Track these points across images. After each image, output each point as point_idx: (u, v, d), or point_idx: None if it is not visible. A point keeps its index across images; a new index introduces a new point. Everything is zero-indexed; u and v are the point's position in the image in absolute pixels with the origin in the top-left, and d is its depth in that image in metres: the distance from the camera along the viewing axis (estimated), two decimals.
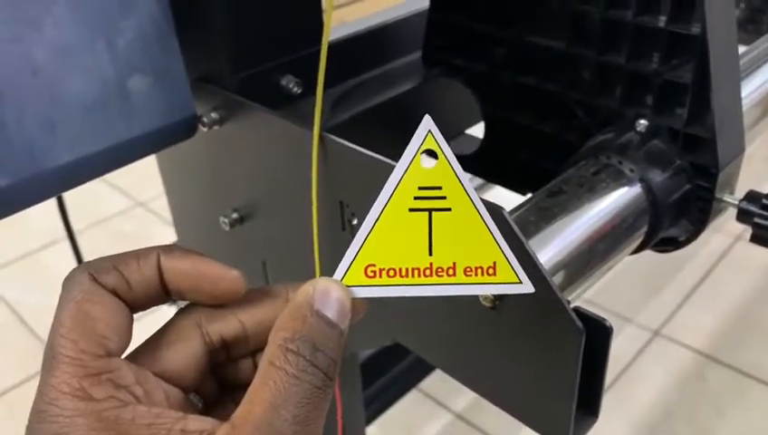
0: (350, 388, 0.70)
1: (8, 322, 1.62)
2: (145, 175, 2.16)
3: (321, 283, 0.25)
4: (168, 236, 1.99)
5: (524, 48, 0.52)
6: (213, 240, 0.63)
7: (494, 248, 0.27)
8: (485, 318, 0.38)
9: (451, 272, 0.28)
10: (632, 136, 0.45)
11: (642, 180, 0.43)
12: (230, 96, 0.49)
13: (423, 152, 0.27)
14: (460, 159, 0.28)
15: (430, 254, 0.27)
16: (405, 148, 0.27)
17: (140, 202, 2.05)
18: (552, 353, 0.36)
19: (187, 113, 0.50)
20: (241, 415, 0.22)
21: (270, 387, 0.22)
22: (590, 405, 0.40)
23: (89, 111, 0.45)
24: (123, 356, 0.23)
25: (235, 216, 0.57)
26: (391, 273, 0.27)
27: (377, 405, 1.09)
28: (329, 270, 0.50)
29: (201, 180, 0.59)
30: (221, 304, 0.27)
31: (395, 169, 0.27)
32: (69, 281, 0.25)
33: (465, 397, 1.38)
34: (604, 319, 0.36)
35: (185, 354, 0.25)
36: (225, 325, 0.26)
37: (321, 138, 0.44)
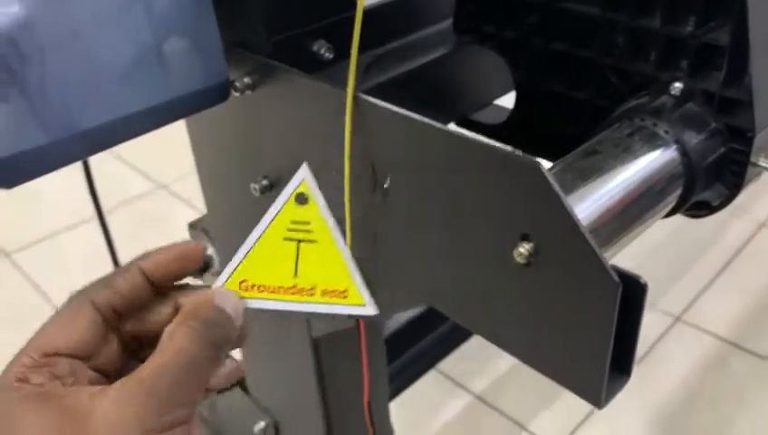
0: (375, 363, 0.70)
1: (34, 302, 1.64)
2: (167, 158, 2.19)
3: (221, 290, 0.32)
4: (190, 216, 2.01)
5: (557, 14, 0.51)
6: (243, 207, 0.63)
7: (347, 276, 0.34)
8: (519, 276, 0.38)
9: (312, 292, 0.34)
10: (666, 99, 0.45)
11: (677, 142, 0.43)
12: (263, 60, 0.50)
13: (296, 195, 0.34)
14: (490, 128, 0.28)
15: (295, 275, 0.33)
16: (434, 116, 0.30)
17: (163, 184, 2.07)
18: (587, 309, 0.36)
19: (220, 78, 0.50)
20: (132, 375, 0.27)
21: (165, 349, 0.28)
22: (622, 364, 0.40)
23: (125, 73, 0.46)
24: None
25: (265, 182, 0.58)
26: (261, 288, 0.33)
27: (395, 384, 1.09)
28: (359, 234, 0.50)
29: (232, 147, 0.60)
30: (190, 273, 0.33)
31: (273, 204, 0.33)
32: (67, 300, 0.32)
33: (483, 378, 1.39)
34: (639, 275, 0.36)
35: (82, 327, 0.30)
36: (114, 296, 0.32)
37: (356, 98, 0.44)
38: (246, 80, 0.52)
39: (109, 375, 0.31)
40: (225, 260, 0.76)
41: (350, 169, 0.46)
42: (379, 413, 0.74)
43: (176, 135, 2.10)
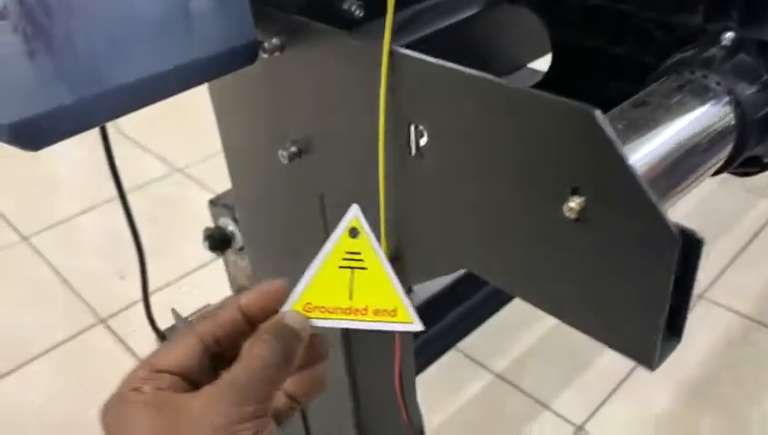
0: (405, 339, 0.69)
1: (53, 282, 1.65)
2: (182, 143, 2.18)
3: (289, 312, 0.38)
4: (205, 198, 1.98)
5: None
6: (269, 176, 0.62)
7: (396, 298, 0.39)
8: (569, 232, 0.37)
9: (365, 312, 0.39)
10: (716, 51, 0.43)
11: (729, 94, 0.41)
12: (294, 19, 0.48)
13: (350, 229, 0.40)
14: None
15: (350, 298, 0.39)
16: None
17: (178, 168, 2.06)
18: (642, 266, 0.35)
19: (248, 38, 0.49)
20: (219, 379, 0.35)
21: (240, 363, 0.35)
22: (674, 326, 0.38)
23: (153, 31, 0.44)
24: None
25: (293, 149, 0.56)
26: (322, 310, 0.39)
27: (417, 362, 1.08)
28: (392, 200, 0.49)
29: (259, 113, 0.58)
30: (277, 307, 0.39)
31: (329, 239, 0.40)
32: (178, 331, 0.39)
33: (505, 358, 1.38)
34: (695, 231, 0.35)
35: (184, 353, 0.36)
36: (215, 328, 0.37)
37: (392, 53, 0.42)
38: (275, 40, 0.50)
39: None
40: (250, 233, 0.75)
41: (385, 130, 0.45)
42: (408, 390, 0.72)
43: (190, 120, 2.09)
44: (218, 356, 0.37)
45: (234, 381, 0.34)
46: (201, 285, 1.62)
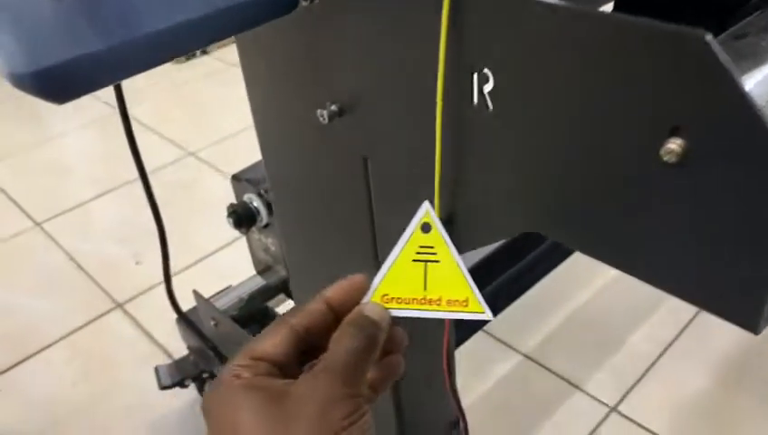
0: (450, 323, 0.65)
1: (67, 268, 1.62)
2: (194, 127, 2.15)
3: (369, 304, 0.41)
4: (219, 182, 1.96)
5: None
6: (305, 139, 0.58)
7: (468, 289, 0.41)
8: (666, 179, 0.33)
9: (438, 302, 0.41)
10: None
11: None
12: None
13: (421, 225, 0.42)
14: None
15: (425, 289, 0.41)
16: None
17: (191, 152, 2.02)
18: (752, 216, 0.31)
19: None
20: (315, 367, 0.37)
21: (330, 352, 0.37)
22: None
23: None
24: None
25: (334, 108, 0.52)
26: (398, 300, 0.41)
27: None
28: (448, 158, 0.45)
29: (295, 69, 0.54)
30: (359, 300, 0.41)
31: (403, 235, 0.42)
32: (273, 322, 0.40)
33: (532, 339, 1.34)
34: None
35: (279, 341, 0.38)
36: (306, 319, 0.39)
37: None
38: None
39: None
40: (282, 203, 0.71)
41: (444, 77, 0.41)
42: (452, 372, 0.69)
43: (198, 109, 2.06)
44: (306, 347, 0.39)
45: (327, 367, 0.36)
46: (218, 268, 1.58)
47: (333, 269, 0.68)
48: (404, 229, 0.55)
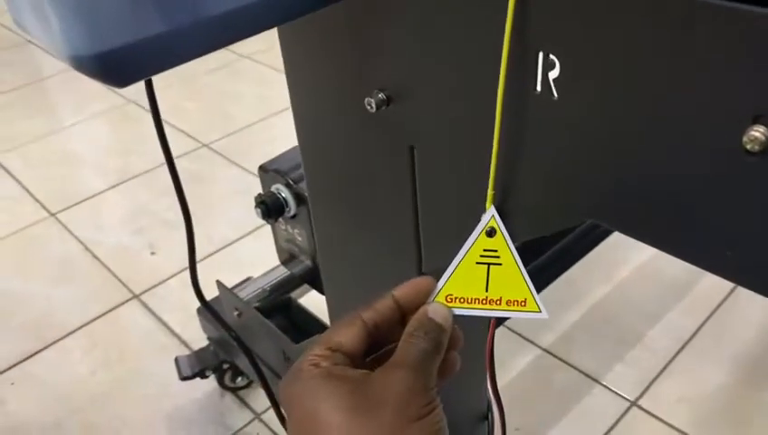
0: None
1: (83, 258, 1.61)
2: (207, 119, 2.14)
3: (433, 304, 0.43)
4: (233, 173, 1.95)
5: None
6: (349, 128, 0.58)
7: (527, 290, 0.43)
8: (750, 169, 0.32)
9: (499, 302, 0.44)
10: None
11: None
12: None
13: (486, 229, 0.44)
14: None
15: (486, 290, 0.44)
16: None
17: (204, 143, 2.02)
18: None
19: None
20: (390, 362, 0.39)
21: (403, 350, 0.39)
22: None
23: None
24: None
25: (381, 96, 0.52)
26: (461, 300, 0.43)
27: None
28: (506, 147, 0.44)
29: (341, 56, 0.54)
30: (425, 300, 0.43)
31: (468, 239, 0.44)
32: (346, 316, 0.42)
33: (552, 333, 1.33)
34: None
35: (353, 333, 0.40)
36: (376, 315, 0.41)
37: None
38: None
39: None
40: (320, 193, 0.70)
41: (508, 59, 0.40)
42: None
43: (214, 96, 2.05)
44: (374, 340, 0.41)
45: (402, 363, 0.38)
46: (234, 259, 1.58)
47: (371, 267, 0.68)
48: (449, 224, 0.54)
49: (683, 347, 1.29)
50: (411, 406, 0.36)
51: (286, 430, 0.39)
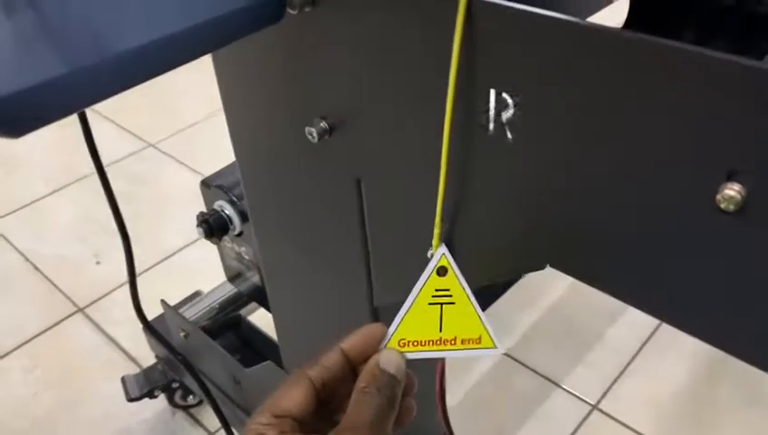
0: None
1: (23, 271, 1.53)
2: (154, 117, 2.06)
3: (384, 352, 0.40)
4: (181, 175, 1.87)
5: None
6: (291, 158, 0.53)
7: (481, 326, 0.42)
8: (721, 228, 0.29)
9: (453, 342, 0.42)
10: None
11: None
12: None
13: (437, 269, 0.41)
14: None
15: (440, 331, 0.42)
16: None
17: (151, 143, 1.94)
18: None
19: None
20: (342, 425, 0.36)
21: (356, 410, 0.37)
22: None
23: None
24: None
25: (323, 125, 0.48)
26: (415, 343, 0.42)
27: None
28: (454, 188, 0.41)
29: (279, 83, 0.49)
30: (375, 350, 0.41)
31: (419, 280, 0.41)
32: (291, 375, 0.39)
33: (511, 336, 1.32)
34: None
35: (301, 395, 0.37)
36: (324, 372, 0.39)
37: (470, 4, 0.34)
38: None
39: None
40: (263, 224, 0.65)
41: (453, 99, 0.36)
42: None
43: (161, 91, 1.95)
44: (322, 397, 0.39)
45: (353, 427, 0.36)
46: (184, 266, 1.52)
47: (320, 293, 0.64)
48: (399, 258, 0.51)
49: (642, 347, 1.29)
50: None
51: None
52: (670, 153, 0.29)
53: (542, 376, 1.25)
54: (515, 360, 1.28)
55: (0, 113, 0.32)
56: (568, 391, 1.22)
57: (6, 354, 1.33)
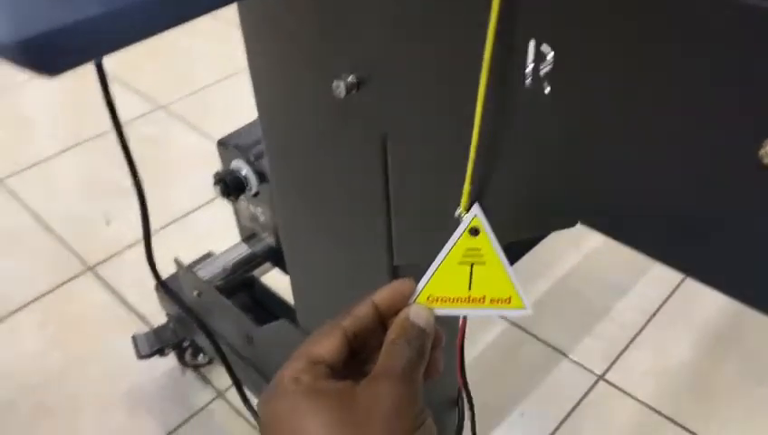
0: None
1: (33, 228, 1.54)
2: (165, 78, 2.05)
3: (414, 307, 0.41)
4: (190, 137, 1.86)
5: None
6: (316, 113, 0.53)
7: (511, 287, 0.42)
8: (763, 183, 0.29)
9: (482, 301, 0.42)
10: None
11: None
12: None
13: (470, 229, 0.41)
14: None
15: (469, 289, 0.42)
16: None
17: (161, 105, 1.93)
18: None
19: None
20: (374, 373, 0.37)
21: (387, 359, 0.37)
22: None
23: None
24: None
25: (351, 79, 0.47)
26: (443, 300, 0.42)
27: None
28: (487, 143, 0.40)
29: (307, 34, 0.48)
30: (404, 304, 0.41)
31: (450, 239, 0.41)
32: (324, 325, 0.39)
33: None
34: None
35: (335, 343, 0.38)
36: (355, 323, 0.39)
37: None
38: None
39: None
40: (283, 179, 0.65)
41: (492, 51, 0.36)
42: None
43: (170, 58, 1.93)
44: (354, 349, 0.39)
45: (386, 374, 0.36)
46: (194, 228, 1.53)
47: (339, 255, 0.64)
48: (422, 218, 0.50)
49: (650, 319, 1.29)
50: (401, 419, 0.35)
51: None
52: (715, 106, 0.29)
53: (549, 346, 1.25)
54: (523, 330, 1.29)
55: (34, 52, 0.32)
56: (575, 362, 1.23)
57: (18, 310, 1.35)
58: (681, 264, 0.35)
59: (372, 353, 0.40)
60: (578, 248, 1.43)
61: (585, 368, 1.22)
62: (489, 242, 0.41)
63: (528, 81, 0.36)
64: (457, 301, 0.42)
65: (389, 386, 0.36)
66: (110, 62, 0.57)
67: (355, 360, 0.40)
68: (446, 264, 0.42)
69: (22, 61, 0.32)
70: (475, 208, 0.41)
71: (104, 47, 0.35)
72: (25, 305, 1.35)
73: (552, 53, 0.34)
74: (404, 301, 0.41)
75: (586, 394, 1.17)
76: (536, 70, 0.35)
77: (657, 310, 1.31)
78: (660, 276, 1.35)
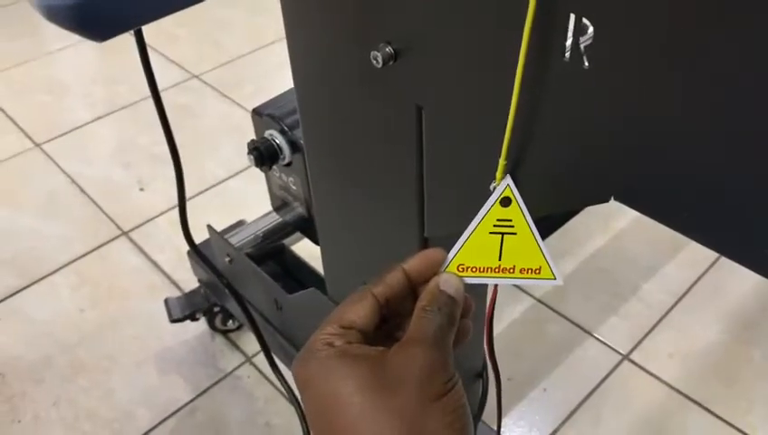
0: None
1: (69, 192, 1.58)
2: (199, 49, 2.06)
3: (444, 275, 0.41)
4: (222, 106, 1.88)
5: None
6: (352, 83, 0.53)
7: (541, 258, 0.42)
8: None
9: (512, 271, 0.43)
10: None
11: None
12: None
13: (501, 199, 0.42)
14: None
15: (499, 259, 0.42)
16: None
17: (195, 75, 1.95)
18: None
19: None
20: (406, 338, 0.38)
21: (418, 326, 0.38)
22: None
23: None
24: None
25: (389, 50, 0.47)
26: (473, 269, 0.42)
27: None
28: (524, 117, 0.41)
29: (348, 4, 0.49)
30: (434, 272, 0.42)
31: (481, 209, 0.42)
32: (356, 291, 0.40)
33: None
34: None
35: (366, 309, 0.39)
36: (387, 289, 0.40)
37: None
38: None
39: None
40: (317, 149, 0.66)
41: (532, 24, 0.36)
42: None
43: (207, 25, 1.95)
44: (385, 316, 0.40)
45: (418, 339, 0.37)
46: (226, 198, 1.55)
47: (370, 226, 0.65)
48: (455, 190, 0.51)
49: (677, 302, 1.29)
50: (432, 384, 0.35)
51: (301, 409, 0.39)
52: (756, 79, 0.29)
53: (574, 324, 1.26)
54: (549, 307, 1.29)
55: (85, 16, 0.33)
56: (600, 340, 1.23)
57: (55, 271, 1.39)
58: (715, 242, 0.35)
59: (403, 321, 0.41)
60: (606, 229, 1.42)
61: (610, 347, 1.22)
62: (520, 212, 0.42)
63: (568, 54, 0.36)
64: (487, 270, 0.42)
65: (421, 351, 0.36)
66: (145, 31, 0.58)
67: (386, 326, 0.41)
68: (477, 233, 0.42)
69: (72, 25, 0.34)
70: (507, 179, 0.42)
71: (150, 14, 0.36)
72: (63, 267, 1.39)
73: (592, 27, 0.34)
74: (434, 269, 0.42)
75: (610, 373, 1.18)
76: (576, 43, 0.35)
77: (686, 292, 1.30)
78: (690, 259, 1.34)
